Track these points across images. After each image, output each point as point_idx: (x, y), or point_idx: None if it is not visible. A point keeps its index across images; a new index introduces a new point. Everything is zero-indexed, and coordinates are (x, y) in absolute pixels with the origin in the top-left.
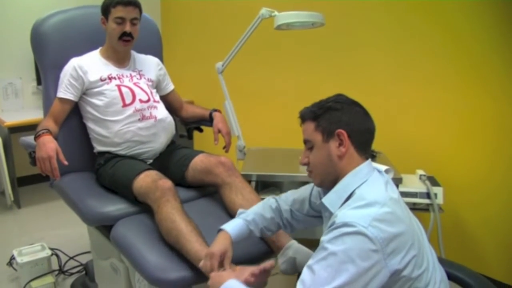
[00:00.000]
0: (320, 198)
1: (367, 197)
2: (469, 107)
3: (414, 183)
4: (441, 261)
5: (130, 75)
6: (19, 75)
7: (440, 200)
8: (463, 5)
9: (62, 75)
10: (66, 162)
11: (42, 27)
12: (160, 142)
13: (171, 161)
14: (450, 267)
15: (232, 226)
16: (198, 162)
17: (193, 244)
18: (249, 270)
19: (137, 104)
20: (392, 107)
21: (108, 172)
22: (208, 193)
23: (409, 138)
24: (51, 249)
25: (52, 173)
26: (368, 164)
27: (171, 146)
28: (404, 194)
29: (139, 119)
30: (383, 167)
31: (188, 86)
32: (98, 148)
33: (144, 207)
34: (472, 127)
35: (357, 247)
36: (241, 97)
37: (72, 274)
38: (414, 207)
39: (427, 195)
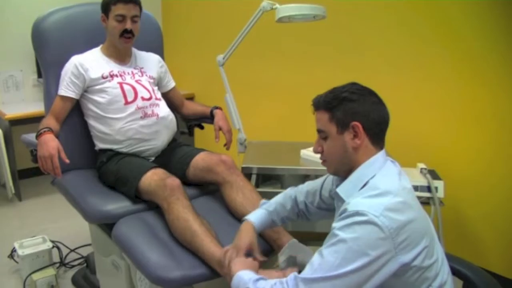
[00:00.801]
0: (331, 191)
1: (381, 187)
2: (470, 101)
3: (414, 176)
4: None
5: (132, 72)
6: (20, 67)
7: (440, 193)
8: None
9: (63, 72)
10: (67, 161)
11: (43, 24)
12: (162, 140)
13: (172, 159)
14: (451, 260)
15: (256, 217)
16: (199, 160)
17: (209, 244)
18: (274, 273)
19: (139, 102)
20: (393, 100)
21: (112, 169)
22: (209, 191)
23: (410, 132)
24: (52, 241)
25: (54, 172)
26: (382, 154)
27: (173, 144)
28: None
29: (141, 117)
30: None
31: (189, 79)
32: (100, 145)
33: (146, 205)
34: (473, 121)
35: (367, 236)
36: (242, 90)
37: (73, 266)
38: None
39: (428, 189)
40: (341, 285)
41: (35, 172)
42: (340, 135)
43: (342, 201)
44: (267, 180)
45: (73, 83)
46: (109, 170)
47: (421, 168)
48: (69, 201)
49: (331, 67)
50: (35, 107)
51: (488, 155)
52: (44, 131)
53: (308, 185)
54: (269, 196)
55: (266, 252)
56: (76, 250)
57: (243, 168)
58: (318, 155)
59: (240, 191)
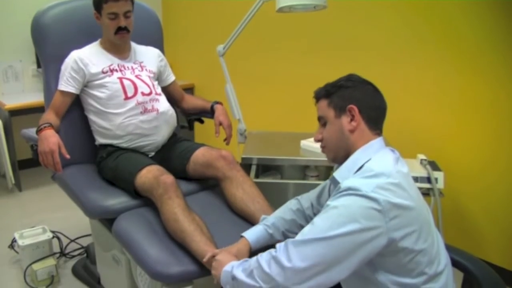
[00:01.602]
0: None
1: (375, 169)
2: (470, 93)
3: (415, 167)
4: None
5: (132, 67)
6: (19, 58)
7: (440, 184)
8: None
9: (63, 67)
10: (68, 156)
11: (42, 19)
12: (162, 135)
13: (172, 154)
14: (451, 251)
15: (252, 233)
16: (199, 155)
17: (198, 243)
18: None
19: (139, 97)
20: (393, 91)
21: (110, 165)
22: (210, 186)
23: (411, 123)
24: (52, 231)
25: (54, 167)
26: (379, 140)
27: (173, 139)
28: None
29: (141, 112)
30: None
31: (189, 69)
32: (100, 140)
33: (146, 201)
34: (474, 113)
35: (359, 205)
36: (242, 80)
37: (73, 256)
38: None
39: (428, 180)
40: (329, 248)
41: (35, 162)
42: (338, 119)
43: (337, 185)
44: (267, 171)
45: (73, 78)
46: (107, 166)
47: (421, 159)
48: (69, 196)
49: (331, 58)
50: (35, 98)
51: (489, 147)
52: (45, 127)
53: (313, 190)
54: (268, 186)
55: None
56: (76, 240)
57: (243, 159)
58: (319, 144)
59: (240, 187)
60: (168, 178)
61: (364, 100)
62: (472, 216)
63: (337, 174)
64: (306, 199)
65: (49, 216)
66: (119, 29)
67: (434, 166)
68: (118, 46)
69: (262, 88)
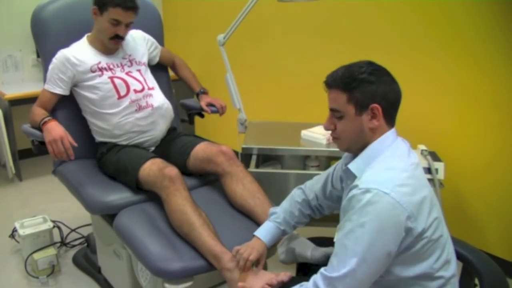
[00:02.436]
0: (341, 178)
1: (390, 162)
2: (471, 83)
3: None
4: None
5: (121, 64)
6: (19, 47)
7: (441, 175)
8: None
9: (50, 67)
10: (75, 144)
11: (42, 13)
12: (159, 130)
13: (172, 149)
14: (452, 242)
15: (266, 232)
16: (199, 151)
17: (206, 238)
18: (267, 278)
19: (132, 95)
20: None
21: (112, 160)
22: (210, 181)
23: (411, 114)
24: (53, 221)
25: (66, 153)
26: (393, 131)
27: (173, 134)
28: None
29: (136, 110)
30: None
31: (189, 59)
32: (100, 139)
33: (147, 196)
34: (475, 103)
35: (385, 215)
36: (242, 70)
37: (74, 246)
38: None
39: (428, 170)
40: (368, 270)
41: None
42: (358, 117)
43: (352, 177)
44: (267, 161)
45: (60, 80)
46: (109, 161)
47: (422, 150)
48: (70, 191)
49: (333, 48)
50: (35, 87)
51: (490, 138)
52: (48, 119)
53: (317, 178)
54: (269, 176)
55: None
56: (77, 230)
57: (243, 149)
58: (322, 137)
59: (240, 182)
60: (173, 170)
61: (387, 97)
62: (472, 206)
63: (353, 166)
64: (310, 189)
65: (50, 205)
66: (116, 36)
67: (435, 157)
68: (107, 46)
69: (262, 78)
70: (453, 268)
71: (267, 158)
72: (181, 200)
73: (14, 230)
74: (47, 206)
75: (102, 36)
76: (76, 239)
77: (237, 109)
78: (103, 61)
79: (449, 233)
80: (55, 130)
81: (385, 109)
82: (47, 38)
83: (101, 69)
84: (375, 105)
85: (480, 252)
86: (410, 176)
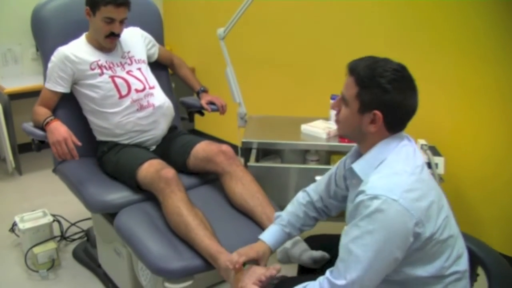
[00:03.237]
0: (345, 176)
1: (396, 166)
2: (471, 78)
3: None
4: None
5: (121, 63)
6: (18, 41)
7: (441, 170)
8: None
9: (50, 65)
10: (79, 143)
11: (42, 12)
12: (161, 129)
13: (173, 148)
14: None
15: (270, 236)
16: (199, 150)
17: (202, 238)
18: (257, 275)
19: (133, 95)
20: None
21: (112, 159)
22: (210, 180)
23: None
24: (53, 215)
25: (70, 154)
26: (399, 135)
27: (173, 133)
28: None
29: (137, 109)
30: None
31: (189, 53)
32: (101, 138)
33: (147, 195)
34: (475, 98)
35: (393, 222)
36: (242, 64)
37: (74, 240)
38: None
39: (428, 165)
40: (375, 274)
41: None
42: (359, 114)
43: (357, 178)
44: (267, 155)
45: (60, 78)
46: (109, 160)
47: (422, 144)
48: (70, 190)
49: (334, 42)
50: (35, 81)
51: (490, 133)
52: (51, 119)
53: (320, 180)
54: (269, 170)
55: None
56: (77, 224)
57: (243, 143)
58: (322, 131)
59: (239, 182)
60: (169, 172)
61: (395, 110)
62: (472, 201)
63: (358, 168)
64: (314, 191)
65: (50, 199)
66: (112, 34)
67: (435, 152)
68: (104, 46)
69: (263, 72)
70: (465, 262)
71: (267, 152)
72: (176, 202)
73: (14, 224)
74: (47, 200)
75: (97, 35)
76: (76, 233)
77: (237, 103)
78: (102, 59)
79: (458, 227)
80: (59, 131)
81: (388, 120)
82: (47, 36)
83: (100, 67)
84: (378, 112)
85: (480, 241)
86: (417, 180)
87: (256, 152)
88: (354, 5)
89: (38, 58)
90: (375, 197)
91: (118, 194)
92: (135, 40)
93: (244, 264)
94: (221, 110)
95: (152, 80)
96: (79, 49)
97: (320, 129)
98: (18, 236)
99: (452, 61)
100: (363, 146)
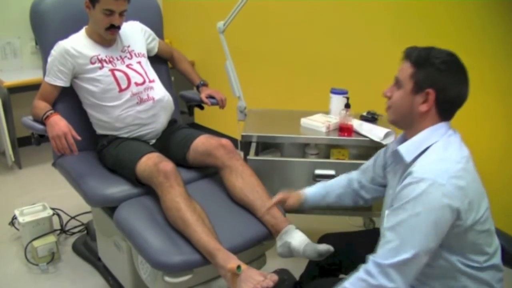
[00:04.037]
0: (384, 165)
1: (444, 153)
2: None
3: None
4: None
5: (121, 57)
6: (17, 34)
7: None
8: None
9: (50, 59)
10: (79, 138)
11: (41, 5)
12: (161, 122)
13: (172, 142)
14: None
15: (310, 188)
16: (199, 144)
17: (200, 235)
18: (254, 280)
19: (133, 88)
20: (393, 70)
21: (112, 153)
22: (209, 173)
23: None
24: (53, 209)
25: (70, 149)
26: (447, 123)
27: (173, 126)
28: None
29: (137, 103)
30: (384, 130)
31: (189, 46)
32: (100, 132)
33: (147, 189)
34: (475, 91)
35: (439, 206)
36: (242, 58)
37: (73, 233)
38: None
39: None
40: (420, 258)
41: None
42: (412, 95)
43: (402, 161)
44: (266, 148)
45: (60, 72)
46: (109, 153)
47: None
48: (70, 184)
49: (333, 35)
50: (34, 75)
51: (490, 133)
52: (51, 113)
53: (360, 168)
54: (268, 164)
55: (265, 237)
56: (77, 217)
57: (242, 136)
58: (321, 125)
59: (239, 176)
60: (168, 165)
61: (447, 90)
62: None
63: (403, 149)
64: (353, 173)
65: (49, 193)
66: (112, 26)
67: None
68: (104, 38)
69: (262, 66)
70: (499, 257)
71: (266, 145)
72: (174, 197)
73: (14, 217)
74: (47, 193)
75: (97, 28)
76: (75, 227)
77: (236, 96)
78: (102, 53)
79: (493, 222)
80: (58, 125)
81: (440, 100)
82: (47, 30)
83: (101, 61)
84: (431, 90)
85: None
86: (463, 169)
87: (256, 145)
88: (355, 2)
89: (38, 51)
90: (422, 180)
91: (118, 188)
92: (135, 34)
93: (238, 267)
94: (221, 104)
95: (152, 73)
96: (79, 43)
97: (320, 123)
98: (18, 230)
99: None
100: (411, 131)
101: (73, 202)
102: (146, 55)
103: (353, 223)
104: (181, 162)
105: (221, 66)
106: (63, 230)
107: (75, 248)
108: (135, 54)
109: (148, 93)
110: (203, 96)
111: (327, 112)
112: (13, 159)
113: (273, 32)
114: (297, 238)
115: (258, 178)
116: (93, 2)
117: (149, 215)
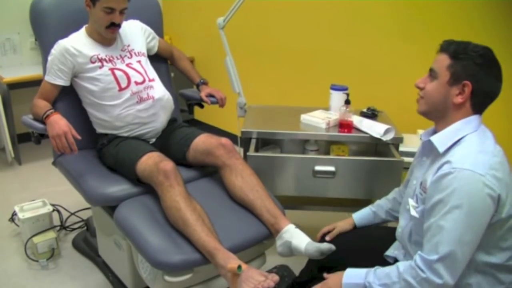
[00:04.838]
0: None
1: (480, 145)
2: None
3: (414, 142)
4: None
5: (120, 56)
6: (17, 30)
7: None
8: None
9: (50, 58)
10: (79, 137)
11: (41, 4)
12: (160, 121)
13: (172, 141)
14: None
15: (358, 213)
16: (199, 143)
17: (200, 234)
18: (255, 280)
19: (133, 87)
20: (394, 66)
21: (112, 152)
22: (209, 173)
23: (411, 98)
24: (52, 205)
25: (70, 148)
26: (479, 116)
27: (173, 125)
28: (404, 154)
29: (137, 102)
30: (384, 126)
31: (189, 42)
32: (101, 130)
33: (147, 188)
34: None
35: (479, 197)
36: (242, 54)
37: (73, 229)
38: None
39: None
40: (468, 249)
41: None
42: (449, 86)
43: (433, 153)
44: (266, 145)
45: (60, 71)
46: (109, 152)
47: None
48: (70, 182)
49: (334, 32)
50: (34, 71)
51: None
52: (51, 112)
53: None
54: (268, 160)
55: (265, 236)
56: (76, 214)
57: (242, 133)
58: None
59: (239, 175)
60: (168, 164)
61: (483, 84)
62: None
63: (436, 139)
64: (398, 190)
65: (49, 189)
66: (112, 25)
67: None
68: (104, 37)
69: (262, 62)
70: None
71: (266, 142)
72: (174, 196)
73: (14, 213)
74: (47, 189)
75: (98, 26)
76: (75, 223)
77: (236, 93)
78: (102, 52)
79: None
80: (59, 124)
81: (475, 92)
82: (47, 29)
83: (101, 60)
84: (468, 82)
85: None
86: (500, 162)
87: (256, 142)
88: None
89: (37, 47)
90: (462, 171)
91: (118, 187)
92: (135, 33)
93: (239, 267)
94: (221, 103)
95: (151, 72)
96: (79, 42)
97: (320, 119)
98: (18, 226)
99: None
100: (442, 123)
101: (73, 198)
102: (146, 54)
103: None
104: (181, 161)
105: (221, 62)
106: (63, 226)
107: (75, 244)
108: (135, 53)
109: (148, 92)
110: (203, 94)
111: (327, 108)
112: (13, 155)
113: (273, 28)
114: (297, 238)
115: (258, 178)
116: (94, 0)
117: (149, 214)
